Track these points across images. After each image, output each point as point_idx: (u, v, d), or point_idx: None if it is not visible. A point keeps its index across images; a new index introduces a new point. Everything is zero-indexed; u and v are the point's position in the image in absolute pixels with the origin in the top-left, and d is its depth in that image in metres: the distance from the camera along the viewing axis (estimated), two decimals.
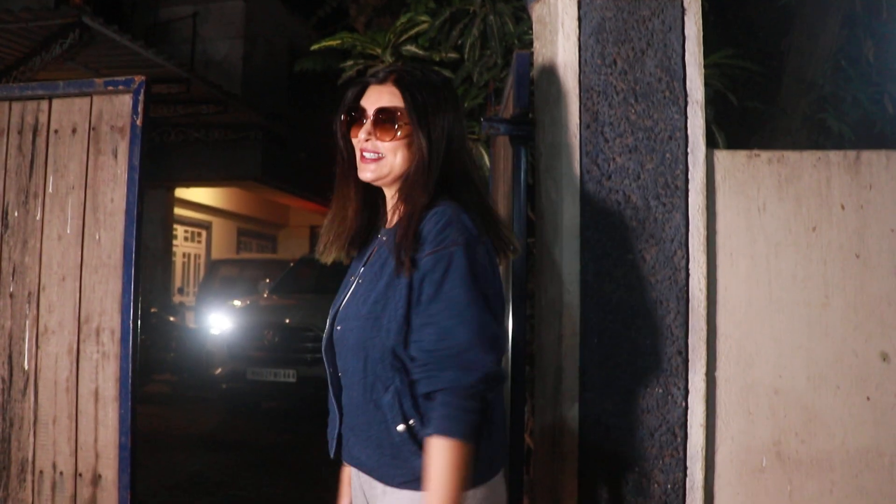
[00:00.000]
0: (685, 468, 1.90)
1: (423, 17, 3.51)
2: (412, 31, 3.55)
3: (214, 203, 15.12)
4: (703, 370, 1.92)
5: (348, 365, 1.44)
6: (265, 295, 8.17)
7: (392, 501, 1.38)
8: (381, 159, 1.44)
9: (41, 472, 2.38)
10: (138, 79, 2.41)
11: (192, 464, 5.39)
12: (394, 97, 1.43)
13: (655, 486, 1.90)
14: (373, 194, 1.55)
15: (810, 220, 1.99)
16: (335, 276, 1.64)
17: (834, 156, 2.01)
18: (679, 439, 1.90)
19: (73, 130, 2.45)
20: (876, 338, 1.95)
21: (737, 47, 3.43)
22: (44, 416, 2.39)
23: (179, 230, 14.45)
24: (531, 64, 2.24)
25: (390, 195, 1.50)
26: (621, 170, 1.96)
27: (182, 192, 13.34)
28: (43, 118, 2.48)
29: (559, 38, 1.99)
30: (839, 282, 1.97)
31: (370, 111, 1.44)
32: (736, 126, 3.63)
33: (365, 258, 1.53)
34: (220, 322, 7.75)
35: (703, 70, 1.99)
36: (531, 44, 2.30)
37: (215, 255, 15.20)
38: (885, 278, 1.96)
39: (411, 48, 3.54)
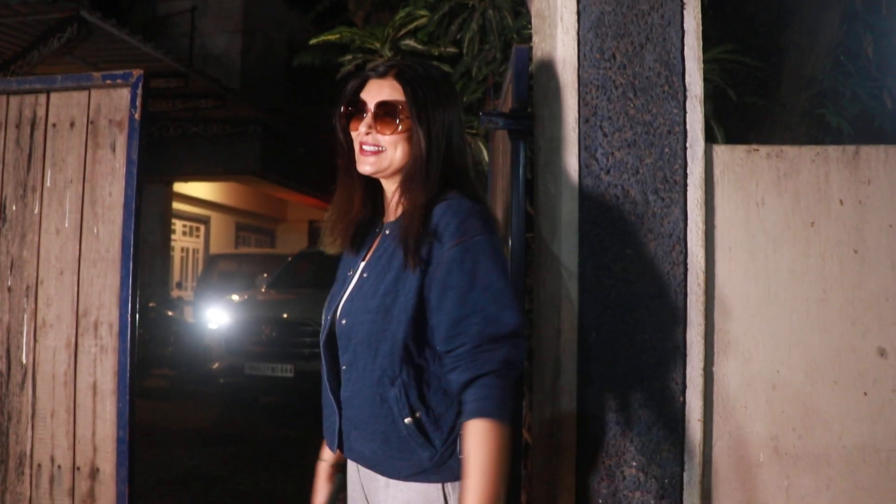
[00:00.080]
0: (682, 463, 1.90)
1: (422, 12, 3.51)
2: (411, 26, 3.55)
3: (213, 197, 15.11)
4: (701, 365, 1.92)
5: (357, 359, 1.43)
6: (263, 290, 8.17)
7: (396, 493, 1.39)
8: (381, 152, 1.44)
9: (39, 465, 2.38)
10: (136, 73, 2.40)
11: (190, 458, 5.40)
12: (394, 91, 1.43)
13: (653, 480, 1.90)
14: (372, 188, 1.55)
15: (809, 216, 1.99)
16: (333, 270, 1.64)
17: (833, 151, 2.01)
18: (676, 434, 1.91)
19: (72, 124, 2.44)
20: (873, 333, 1.96)
21: (736, 42, 3.43)
22: (42, 409, 2.39)
23: (178, 224, 14.46)
24: (530, 58, 2.23)
25: (391, 189, 1.50)
26: (620, 164, 1.96)
27: (180, 187, 13.34)
28: (41, 112, 2.48)
29: (558, 33, 1.99)
30: (837, 277, 1.97)
31: (371, 105, 1.44)
32: (735, 121, 3.63)
33: (364, 252, 1.53)
34: (217, 317, 7.76)
35: (702, 65, 1.99)
36: (530, 38, 2.30)
37: (214, 249, 15.21)
38: (883, 274, 1.96)
39: (410, 42, 3.54)
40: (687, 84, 1.98)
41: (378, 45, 3.58)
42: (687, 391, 1.91)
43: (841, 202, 1.99)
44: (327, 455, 1.65)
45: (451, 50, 3.51)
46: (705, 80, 2.03)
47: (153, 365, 9.19)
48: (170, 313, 9.86)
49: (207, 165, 11.93)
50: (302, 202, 16.17)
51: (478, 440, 1.28)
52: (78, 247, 2.41)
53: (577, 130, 1.97)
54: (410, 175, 1.43)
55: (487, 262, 1.35)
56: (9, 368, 2.42)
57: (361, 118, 1.45)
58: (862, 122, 3.72)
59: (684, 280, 1.93)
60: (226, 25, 12.79)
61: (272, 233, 18.60)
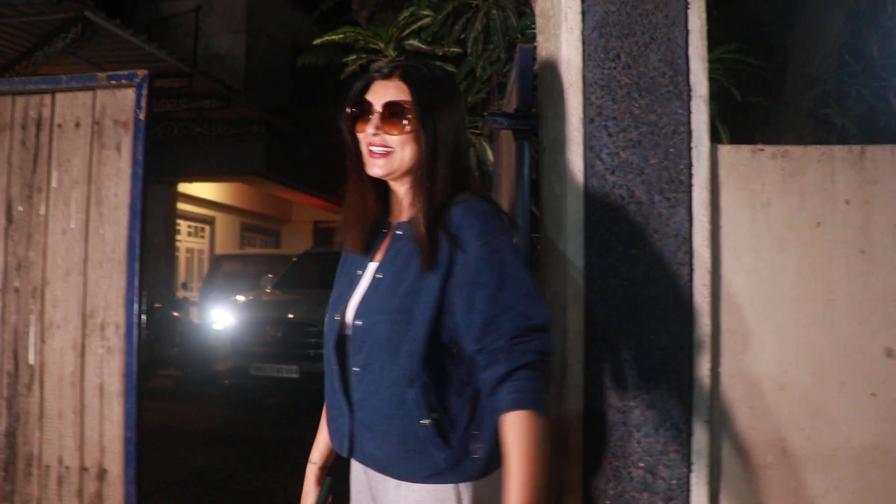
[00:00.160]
0: (690, 464, 1.90)
1: (426, 12, 3.51)
2: (415, 26, 3.55)
3: (217, 198, 15.13)
4: (708, 366, 1.91)
5: (372, 360, 1.42)
6: (268, 290, 8.18)
7: (407, 493, 1.38)
8: (390, 154, 1.44)
9: (47, 466, 2.39)
10: (141, 73, 2.41)
11: (196, 459, 5.41)
12: (400, 91, 1.43)
13: (660, 481, 1.90)
14: (382, 187, 1.55)
15: (815, 216, 1.98)
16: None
17: (838, 151, 2.00)
18: (684, 435, 1.90)
19: (77, 125, 2.45)
20: (881, 333, 1.95)
21: (741, 42, 3.43)
22: (49, 410, 2.40)
23: (183, 225, 14.47)
24: (534, 58, 2.23)
25: (402, 190, 1.50)
26: (625, 164, 1.96)
27: (185, 188, 13.36)
28: (46, 112, 2.48)
29: (562, 32, 1.98)
30: (844, 277, 1.96)
31: (377, 106, 1.44)
32: (740, 121, 3.63)
33: (372, 252, 1.53)
34: (223, 317, 7.77)
35: (706, 65, 1.98)
36: (534, 38, 2.29)
37: (219, 250, 15.23)
38: (890, 274, 1.96)
39: (414, 42, 3.54)
40: (692, 84, 1.97)
41: (382, 45, 3.59)
42: (694, 392, 1.91)
43: (847, 202, 1.98)
44: (316, 458, 1.66)
45: (455, 50, 3.51)
46: (710, 79, 2.03)
47: (159, 366, 9.20)
48: (175, 314, 9.86)
49: (212, 166, 11.94)
50: (307, 202, 16.18)
51: (519, 432, 1.28)
52: (84, 248, 2.41)
53: (581, 130, 1.96)
54: (423, 175, 1.43)
55: (514, 261, 1.38)
56: (16, 369, 2.43)
57: (368, 120, 1.45)
58: (867, 121, 3.72)
59: (690, 280, 1.93)
60: (230, 26, 12.81)
61: (277, 233, 18.62)
